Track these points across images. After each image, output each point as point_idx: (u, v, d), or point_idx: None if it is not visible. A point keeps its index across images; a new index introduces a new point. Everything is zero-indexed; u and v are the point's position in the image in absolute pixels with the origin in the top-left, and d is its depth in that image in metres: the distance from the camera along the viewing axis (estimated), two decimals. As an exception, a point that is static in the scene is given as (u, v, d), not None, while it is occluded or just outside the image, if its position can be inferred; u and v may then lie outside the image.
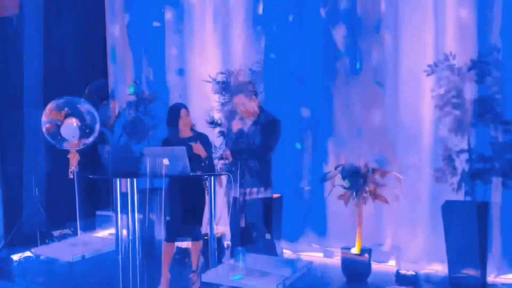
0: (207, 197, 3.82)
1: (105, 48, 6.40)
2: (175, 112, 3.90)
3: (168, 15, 5.83)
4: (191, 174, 3.07)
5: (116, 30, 6.29)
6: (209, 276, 2.89)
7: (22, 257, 5.08)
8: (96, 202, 6.10)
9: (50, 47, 5.79)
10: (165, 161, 2.99)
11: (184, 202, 3.88)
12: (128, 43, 6.20)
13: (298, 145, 4.56)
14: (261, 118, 3.59)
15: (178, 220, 3.90)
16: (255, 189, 3.52)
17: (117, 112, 5.97)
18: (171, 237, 3.96)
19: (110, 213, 5.86)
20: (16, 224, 5.05)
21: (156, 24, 5.92)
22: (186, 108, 3.95)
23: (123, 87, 6.20)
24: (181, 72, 5.76)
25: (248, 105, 3.55)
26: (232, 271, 2.90)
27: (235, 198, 3.64)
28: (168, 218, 3.98)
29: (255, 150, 3.52)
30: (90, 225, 6.17)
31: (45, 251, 3.78)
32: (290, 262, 3.32)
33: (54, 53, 5.84)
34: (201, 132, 4.03)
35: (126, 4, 6.14)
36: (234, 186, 3.54)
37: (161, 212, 4.04)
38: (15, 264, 4.96)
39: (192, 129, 3.97)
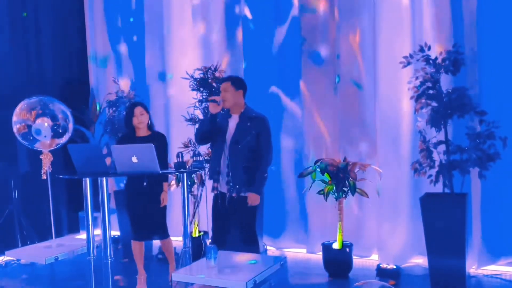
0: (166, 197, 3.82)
1: (85, 46, 6.33)
2: (129, 109, 3.87)
3: (148, 11, 5.78)
4: (160, 171, 3.01)
5: (96, 27, 6.23)
6: (179, 275, 2.84)
7: (3, 260, 5.05)
8: (80, 203, 6.03)
9: (28, 45, 5.72)
10: (133, 159, 2.93)
11: (143, 202, 3.83)
12: (108, 41, 6.14)
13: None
14: (248, 114, 3.51)
15: (141, 220, 3.87)
16: (240, 187, 3.45)
17: (97, 112, 5.92)
18: (137, 236, 3.94)
19: (96, 214, 5.82)
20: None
21: (135, 21, 5.87)
22: (143, 106, 3.87)
23: (103, 86, 6.15)
24: (161, 73, 5.72)
25: (233, 93, 3.49)
26: (203, 269, 2.86)
27: (217, 195, 3.59)
28: (130, 218, 3.94)
29: (254, 148, 3.45)
30: (74, 227, 6.13)
31: (19, 253, 3.73)
32: (263, 259, 3.27)
33: (32, 52, 5.77)
34: (160, 132, 3.99)
35: (105, 2, 6.08)
36: (222, 183, 3.50)
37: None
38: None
39: (150, 129, 3.90)
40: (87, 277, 3.17)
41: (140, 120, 3.80)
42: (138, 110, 3.81)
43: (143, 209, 3.82)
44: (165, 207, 3.92)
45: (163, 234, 3.97)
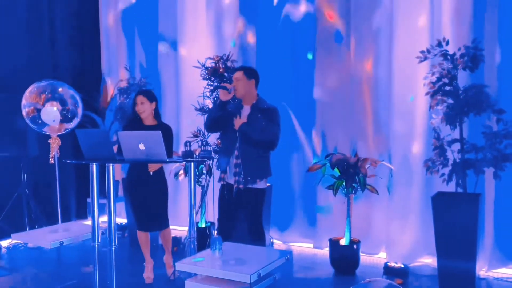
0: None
1: (98, 32, 6.31)
2: (133, 98, 3.83)
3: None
4: (167, 160, 2.97)
5: (109, 14, 6.20)
6: (183, 265, 2.81)
7: (11, 243, 5.08)
8: (89, 189, 6.04)
9: (42, 31, 5.71)
10: (141, 146, 2.89)
11: (144, 193, 3.79)
12: (121, 28, 6.11)
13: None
14: (260, 105, 3.46)
15: (143, 211, 3.84)
16: (250, 179, 3.40)
17: (109, 98, 5.90)
18: (142, 227, 3.92)
19: (103, 200, 5.84)
20: (4, 211, 5.02)
21: (149, 7, 5.83)
22: (145, 95, 3.78)
23: (116, 73, 6.13)
24: (173, 60, 5.68)
25: (246, 83, 3.43)
26: (207, 260, 2.82)
27: (224, 186, 3.55)
28: (134, 209, 3.93)
29: (263, 139, 3.39)
30: (82, 212, 6.15)
31: (25, 237, 3.72)
32: (269, 252, 3.22)
33: (45, 38, 5.77)
34: (166, 124, 3.90)
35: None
36: (229, 173, 3.46)
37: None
38: (3, 250, 4.97)
39: (156, 119, 3.84)
40: (91, 263, 3.15)
41: (140, 109, 3.75)
42: (138, 99, 3.77)
43: (144, 200, 3.80)
44: (167, 197, 3.90)
45: (162, 225, 3.94)
